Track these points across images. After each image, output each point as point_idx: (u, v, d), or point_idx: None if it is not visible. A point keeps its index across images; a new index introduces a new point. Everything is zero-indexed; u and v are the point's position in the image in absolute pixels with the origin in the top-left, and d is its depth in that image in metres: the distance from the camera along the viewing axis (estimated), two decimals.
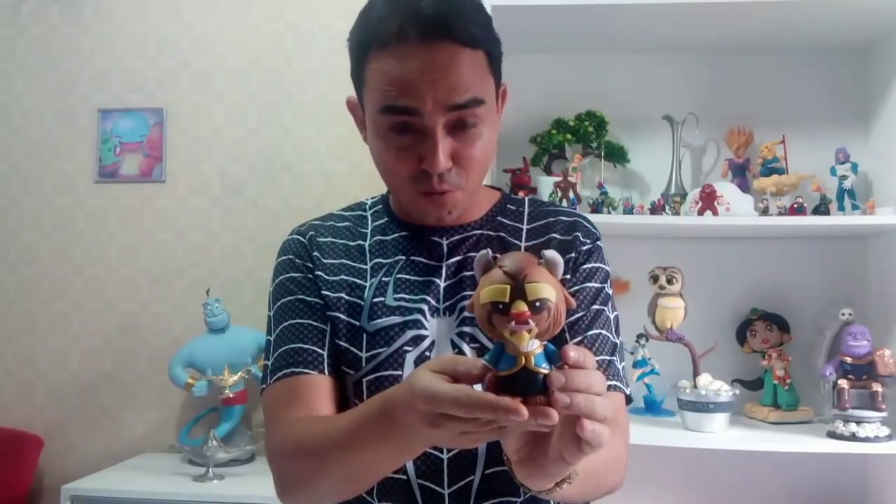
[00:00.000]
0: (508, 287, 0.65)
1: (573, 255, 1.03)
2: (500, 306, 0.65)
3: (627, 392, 1.02)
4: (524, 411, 0.63)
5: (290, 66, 2.59)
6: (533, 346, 0.65)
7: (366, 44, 0.93)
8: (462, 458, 0.95)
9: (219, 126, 2.61)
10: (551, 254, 0.68)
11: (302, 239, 1.07)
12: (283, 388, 0.97)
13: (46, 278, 2.64)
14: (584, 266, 1.03)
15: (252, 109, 2.60)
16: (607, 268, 1.07)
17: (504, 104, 1.05)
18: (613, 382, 0.99)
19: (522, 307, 0.64)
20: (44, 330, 2.64)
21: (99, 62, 2.66)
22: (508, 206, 1.10)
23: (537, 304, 0.64)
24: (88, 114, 2.65)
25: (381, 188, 1.14)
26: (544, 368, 0.65)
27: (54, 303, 2.64)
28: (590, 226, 1.08)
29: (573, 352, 0.66)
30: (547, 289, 0.65)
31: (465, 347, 0.97)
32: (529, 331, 0.64)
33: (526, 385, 0.64)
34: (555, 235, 1.04)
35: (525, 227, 1.06)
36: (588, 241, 1.05)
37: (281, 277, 1.05)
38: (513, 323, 0.64)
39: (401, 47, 0.89)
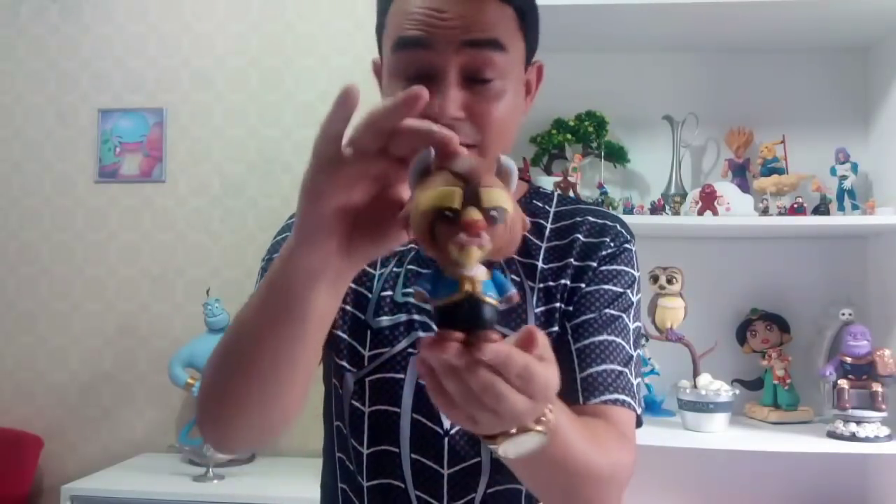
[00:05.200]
0: (459, 190, 0.53)
1: (594, 260, 0.95)
2: (448, 214, 0.53)
3: (639, 412, 0.90)
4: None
5: (290, 66, 2.59)
6: (479, 272, 0.53)
7: None
8: (464, 475, 0.91)
9: (219, 126, 2.61)
10: (507, 161, 0.59)
11: None
12: None
13: (46, 278, 2.64)
14: (604, 268, 0.95)
15: (252, 109, 2.60)
16: (635, 273, 0.97)
17: (539, 85, 0.97)
18: (621, 397, 0.88)
19: (476, 215, 0.52)
20: (44, 330, 2.64)
21: (99, 62, 2.66)
22: (535, 201, 1.01)
23: (493, 213, 0.53)
24: (88, 114, 2.65)
25: None
26: (491, 298, 0.54)
27: (54, 303, 2.64)
28: (621, 228, 0.98)
29: (537, 333, 0.57)
30: (505, 197, 0.54)
31: None
32: (481, 246, 0.52)
33: (470, 316, 0.53)
34: (578, 237, 0.96)
35: (549, 225, 0.98)
36: (612, 245, 0.96)
37: (279, 237, 0.99)
38: (462, 235, 0.52)
39: None
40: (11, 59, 2.69)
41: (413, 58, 0.84)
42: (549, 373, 0.57)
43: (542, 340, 0.57)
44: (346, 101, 0.58)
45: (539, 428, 0.61)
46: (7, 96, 2.69)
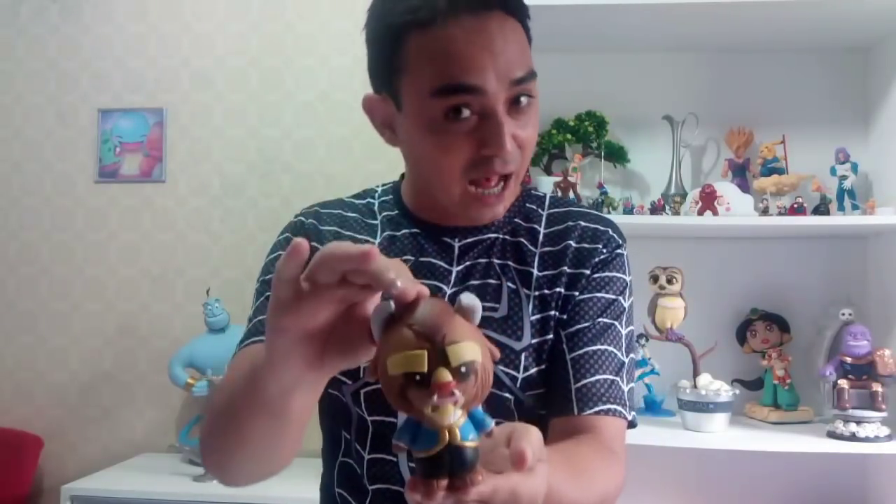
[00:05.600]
0: (425, 352, 0.53)
1: (587, 267, 0.95)
2: (417, 377, 0.53)
3: (630, 417, 0.92)
4: None
5: (290, 66, 2.59)
6: (456, 417, 0.54)
7: (399, 26, 0.84)
8: None
9: (219, 126, 2.61)
10: (468, 299, 0.57)
11: (305, 221, 1.00)
12: (243, 356, 0.90)
13: (46, 278, 2.64)
14: (597, 275, 0.95)
15: (252, 109, 2.60)
16: (627, 278, 0.98)
17: None
18: (613, 406, 0.90)
19: (447, 377, 0.52)
20: (44, 330, 2.64)
21: (99, 62, 2.66)
22: (528, 204, 1.01)
23: (463, 369, 0.53)
24: (88, 114, 2.65)
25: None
26: (472, 440, 0.54)
27: (54, 303, 2.64)
28: (613, 233, 0.99)
29: (527, 450, 0.56)
30: (472, 348, 0.54)
31: None
32: (455, 402, 0.53)
33: (453, 464, 0.53)
34: (570, 243, 0.96)
35: (542, 230, 0.98)
36: (605, 251, 0.96)
37: (273, 255, 1.00)
38: (435, 397, 0.52)
39: (450, 22, 0.82)
40: (11, 59, 2.69)
41: (462, 101, 0.83)
42: (536, 483, 0.58)
43: (533, 450, 0.57)
44: (295, 254, 0.59)
45: None
46: (7, 96, 2.69)
